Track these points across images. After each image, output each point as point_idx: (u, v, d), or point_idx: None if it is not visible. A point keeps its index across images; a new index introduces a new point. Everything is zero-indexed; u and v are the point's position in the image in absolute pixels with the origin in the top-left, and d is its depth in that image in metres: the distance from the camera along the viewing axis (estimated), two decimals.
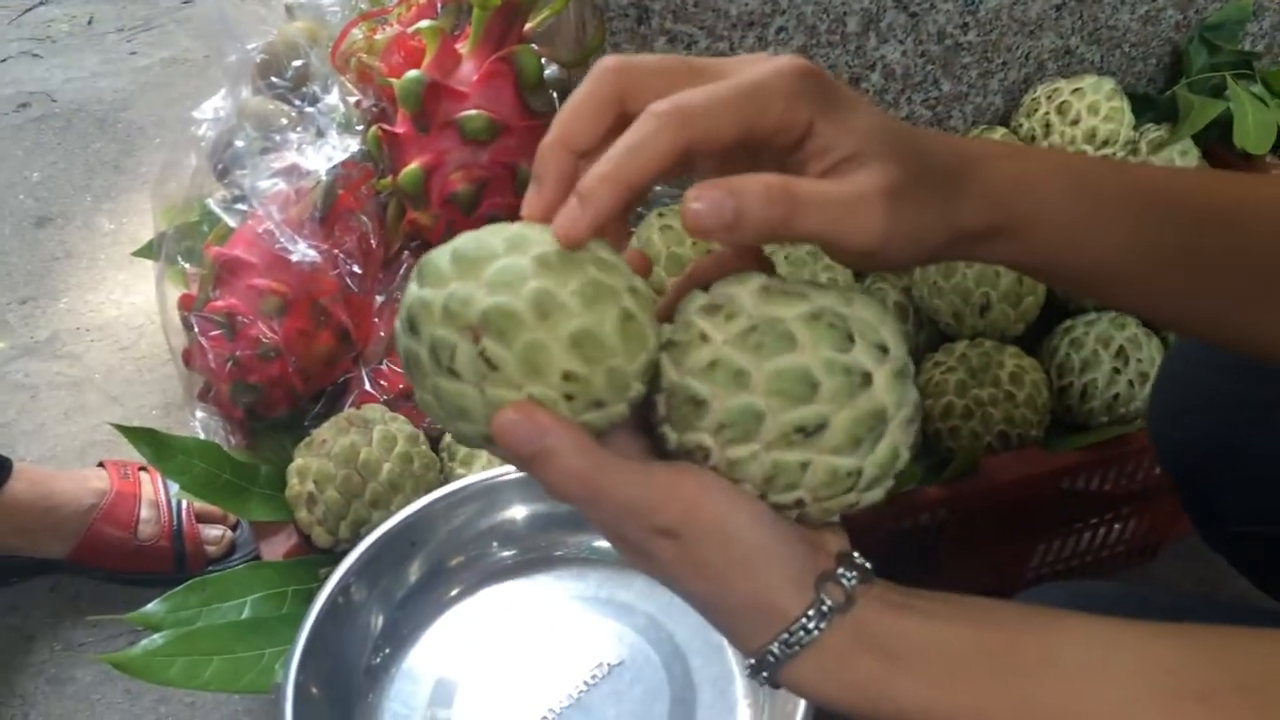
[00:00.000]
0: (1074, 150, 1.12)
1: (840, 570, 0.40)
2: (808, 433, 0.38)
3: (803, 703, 0.64)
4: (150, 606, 0.80)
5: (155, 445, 0.87)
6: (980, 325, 0.96)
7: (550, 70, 1.07)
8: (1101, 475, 0.95)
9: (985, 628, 0.40)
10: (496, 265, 0.37)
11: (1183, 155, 1.14)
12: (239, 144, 1.01)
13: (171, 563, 1.12)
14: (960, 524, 0.93)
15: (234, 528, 1.16)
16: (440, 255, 0.39)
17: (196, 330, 0.94)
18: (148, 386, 1.39)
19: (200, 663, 0.76)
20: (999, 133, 1.09)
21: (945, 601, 0.41)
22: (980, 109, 1.19)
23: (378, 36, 1.07)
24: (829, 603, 0.39)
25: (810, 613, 0.39)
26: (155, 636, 0.76)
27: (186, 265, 1.05)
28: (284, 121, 1.02)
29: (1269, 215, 0.47)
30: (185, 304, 0.96)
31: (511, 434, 0.37)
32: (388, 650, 0.73)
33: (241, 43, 1.00)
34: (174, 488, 1.11)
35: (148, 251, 1.08)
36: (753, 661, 0.41)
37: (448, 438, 0.96)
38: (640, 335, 0.39)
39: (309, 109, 1.01)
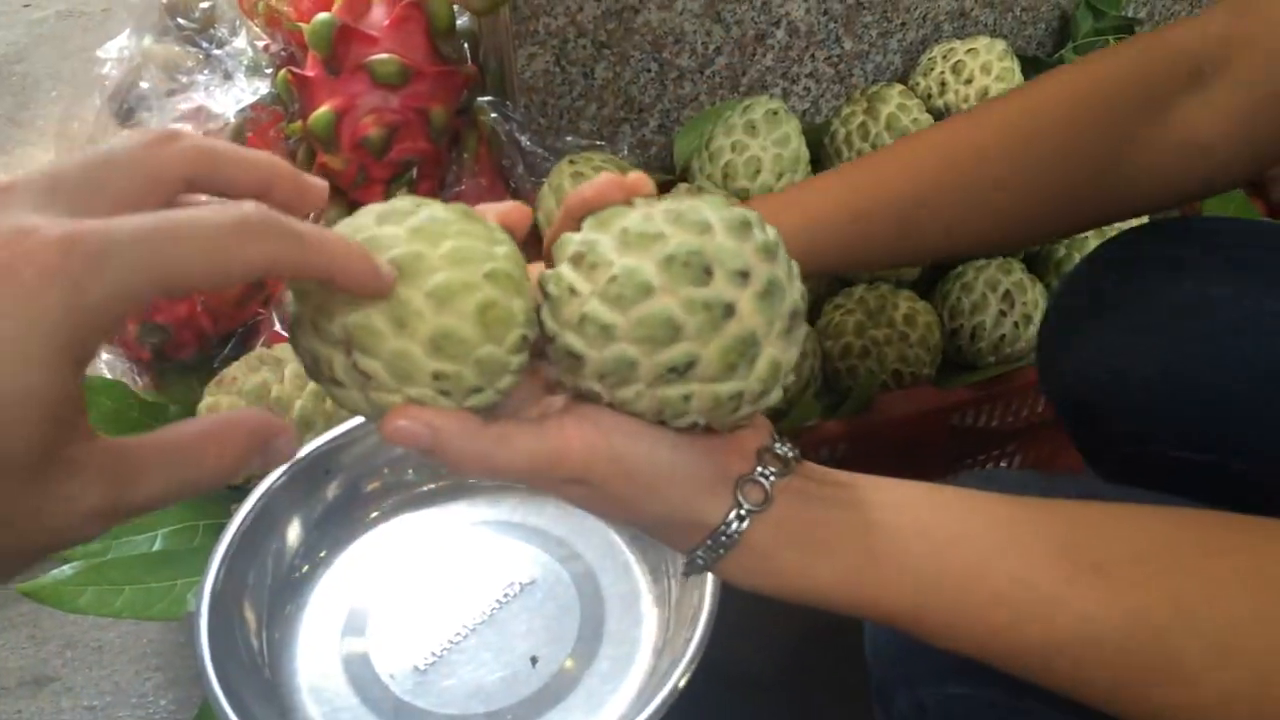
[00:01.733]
0: (967, 107, 1.17)
1: (759, 469, 0.43)
2: (680, 371, 0.40)
3: (704, 612, 0.67)
4: None
5: None
6: (878, 271, 1.00)
7: (462, 20, 1.08)
8: (989, 411, 1.00)
9: (900, 512, 0.44)
10: None
11: None
12: (144, 85, 1.00)
13: None
14: (859, 458, 0.97)
15: None
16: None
17: None
18: None
19: (111, 592, 0.76)
20: (896, 89, 1.13)
21: (863, 488, 0.45)
22: (880, 67, 1.24)
23: None
24: (747, 505, 0.42)
25: (730, 516, 0.42)
26: (64, 568, 0.76)
27: None
28: (190, 64, 1.02)
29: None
30: None
31: (401, 437, 0.39)
32: (304, 569, 0.74)
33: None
34: None
35: None
36: (685, 560, 0.44)
37: None
38: (504, 318, 0.40)
39: (216, 52, 1.00)
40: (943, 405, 0.96)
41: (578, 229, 0.43)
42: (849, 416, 0.94)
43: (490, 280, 0.40)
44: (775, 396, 0.44)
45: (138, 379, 0.96)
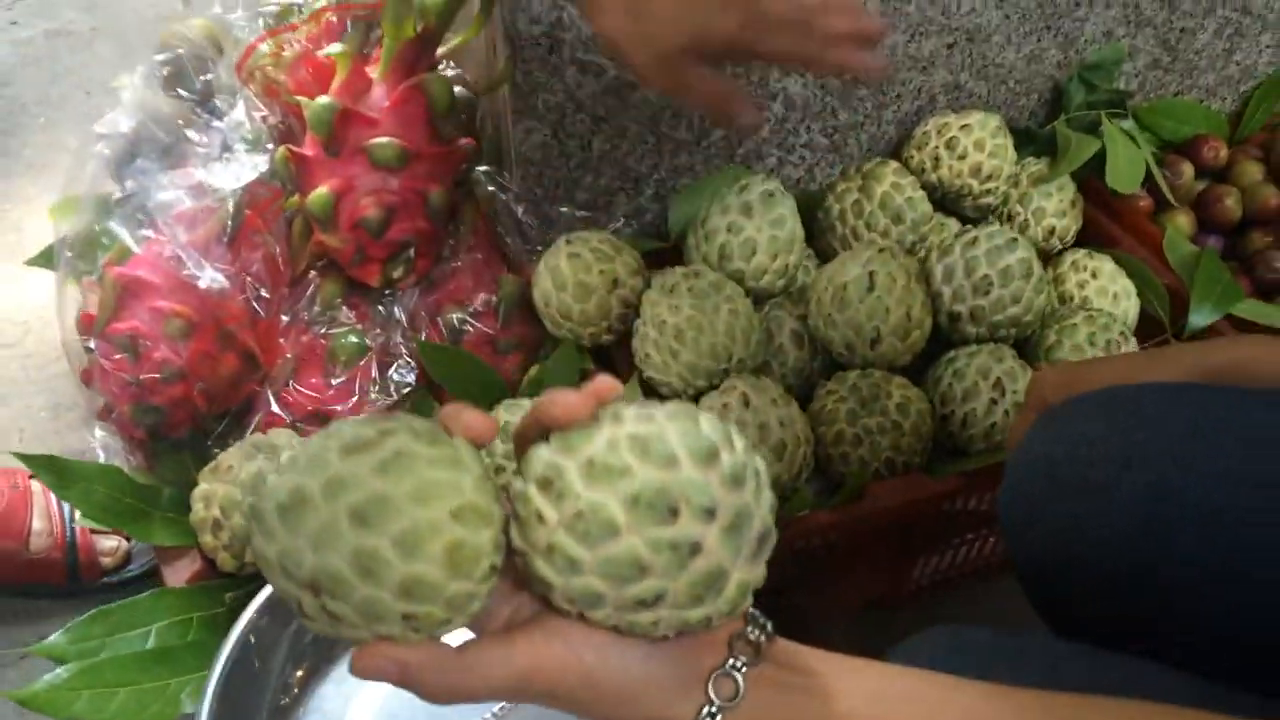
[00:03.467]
0: (960, 184, 1.18)
1: (730, 661, 0.43)
2: (649, 603, 0.41)
3: None
4: (53, 638, 0.80)
5: (56, 472, 0.87)
6: (871, 356, 1.01)
7: (459, 91, 1.08)
8: (978, 497, 1.01)
9: (871, 703, 0.45)
10: (316, 521, 0.39)
11: (1060, 190, 1.21)
12: (141, 163, 1.00)
13: (64, 574, 1.10)
14: (849, 543, 0.98)
15: (129, 537, 1.15)
16: (268, 504, 0.40)
17: (97, 352, 0.93)
18: (36, 386, 1.35)
19: (106, 695, 0.77)
20: (890, 167, 1.14)
21: (833, 675, 0.45)
22: (875, 137, 1.25)
23: (285, 53, 1.06)
24: (717, 702, 0.43)
25: (703, 713, 0.43)
26: (60, 671, 0.76)
27: (86, 277, 1.03)
28: (191, 135, 1.01)
29: None
30: (86, 324, 0.95)
31: (372, 672, 0.40)
32: (295, 692, 0.75)
33: (150, 52, 0.99)
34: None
35: (45, 260, 1.05)
36: None
37: None
38: (472, 555, 0.40)
39: (216, 124, 1.00)
40: (934, 493, 0.97)
41: (545, 435, 0.43)
42: (841, 506, 0.95)
43: (457, 519, 0.40)
44: (746, 604, 0.45)
45: (130, 457, 0.96)
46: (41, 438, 1.29)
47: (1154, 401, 0.66)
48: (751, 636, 0.45)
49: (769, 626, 0.45)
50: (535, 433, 0.44)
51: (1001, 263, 1.01)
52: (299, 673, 0.75)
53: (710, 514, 0.41)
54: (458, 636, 0.42)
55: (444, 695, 0.41)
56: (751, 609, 0.45)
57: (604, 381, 0.44)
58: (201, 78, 1.03)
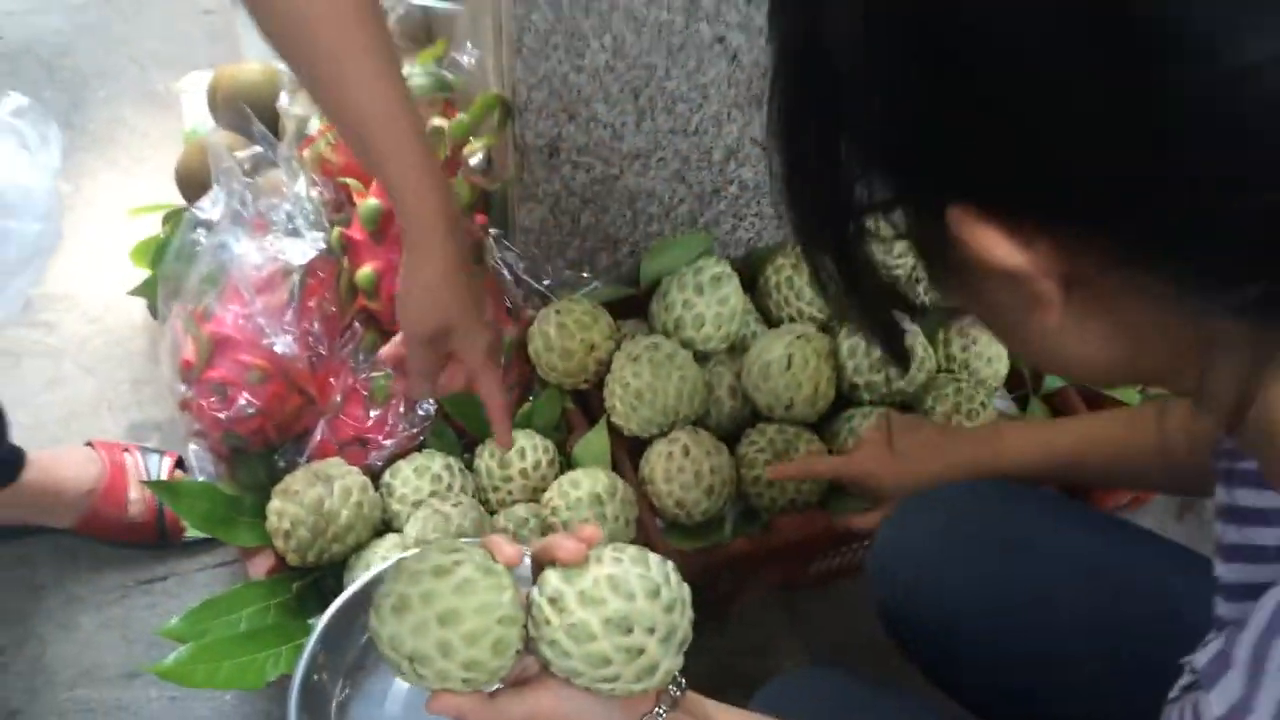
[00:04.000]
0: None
1: (656, 709, 0.73)
2: (610, 679, 0.71)
3: None
4: (174, 623, 1.12)
5: (172, 493, 1.17)
6: (787, 416, 1.31)
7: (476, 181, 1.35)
8: None
9: None
10: (415, 619, 0.69)
11: None
12: (224, 224, 1.26)
13: (155, 535, 1.42)
14: (758, 558, 1.30)
15: None
16: (385, 602, 0.70)
17: (194, 393, 1.22)
18: (117, 361, 1.63)
19: (215, 667, 1.09)
20: None
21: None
22: None
23: (332, 135, 1.32)
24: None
25: None
26: (183, 650, 1.08)
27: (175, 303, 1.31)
28: (261, 210, 1.28)
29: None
30: (185, 367, 1.24)
31: (439, 711, 0.70)
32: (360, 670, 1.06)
33: (233, 163, 1.25)
34: (154, 471, 1.42)
35: (146, 292, 1.34)
36: None
37: (386, 477, 1.28)
38: (507, 646, 0.70)
39: (287, 208, 1.26)
40: (827, 526, 1.28)
41: (553, 562, 0.73)
42: (754, 536, 1.26)
43: (500, 623, 0.71)
44: (670, 680, 0.75)
45: (216, 467, 1.26)
46: (125, 409, 1.58)
47: (971, 516, 0.98)
48: (672, 693, 0.74)
49: (683, 685, 0.74)
50: (547, 559, 0.73)
51: None
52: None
53: (651, 631, 0.70)
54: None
55: None
56: (677, 675, 0.74)
57: (588, 531, 0.73)
58: (267, 174, 1.29)
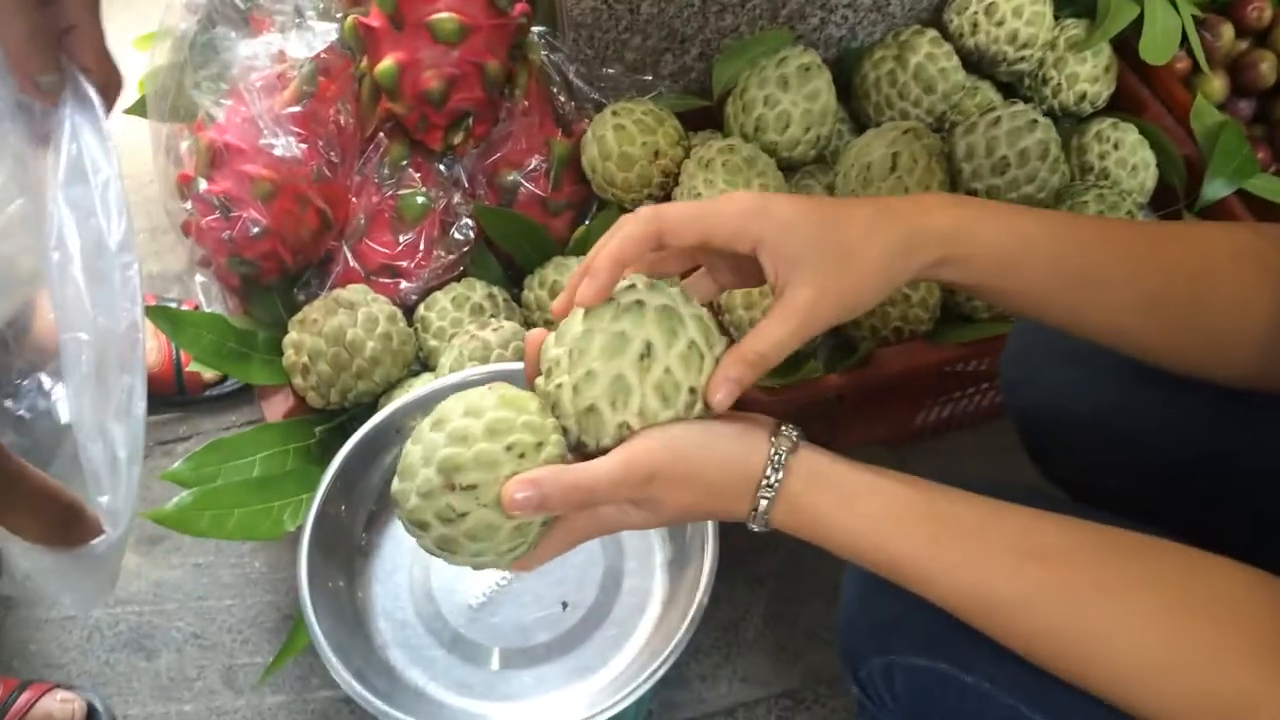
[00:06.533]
0: (996, 50, 1.23)
1: (781, 427, 0.58)
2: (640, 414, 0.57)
3: (706, 565, 0.82)
4: (177, 466, 0.96)
5: (169, 320, 1.01)
6: None
7: None
8: (978, 362, 1.12)
9: (911, 486, 0.58)
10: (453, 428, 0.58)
11: (1095, 55, 1.25)
12: (221, 29, 1.08)
13: (173, 388, 1.27)
14: (856, 400, 1.10)
15: None
16: (425, 436, 0.58)
17: (195, 210, 1.05)
18: (134, 209, 1.46)
19: (224, 515, 0.93)
20: (927, 36, 1.18)
21: (866, 467, 0.58)
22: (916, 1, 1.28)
23: None
24: (782, 450, 0.56)
25: (772, 455, 0.56)
26: (185, 495, 0.93)
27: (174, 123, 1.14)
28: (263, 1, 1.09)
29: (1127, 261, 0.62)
30: (183, 182, 1.07)
31: (516, 489, 0.55)
32: (375, 529, 0.90)
33: None
34: None
35: (141, 110, 1.16)
36: (749, 524, 0.58)
37: (421, 309, 1.10)
38: (539, 431, 0.57)
39: None
40: (935, 360, 1.08)
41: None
42: (851, 370, 1.07)
43: (510, 449, 0.56)
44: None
45: (228, 301, 1.10)
46: (143, 260, 1.43)
47: None
48: (785, 432, 0.58)
49: (800, 434, 0.59)
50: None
51: (1020, 144, 1.08)
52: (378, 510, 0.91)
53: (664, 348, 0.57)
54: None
55: (571, 495, 0.55)
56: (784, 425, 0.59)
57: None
58: None
